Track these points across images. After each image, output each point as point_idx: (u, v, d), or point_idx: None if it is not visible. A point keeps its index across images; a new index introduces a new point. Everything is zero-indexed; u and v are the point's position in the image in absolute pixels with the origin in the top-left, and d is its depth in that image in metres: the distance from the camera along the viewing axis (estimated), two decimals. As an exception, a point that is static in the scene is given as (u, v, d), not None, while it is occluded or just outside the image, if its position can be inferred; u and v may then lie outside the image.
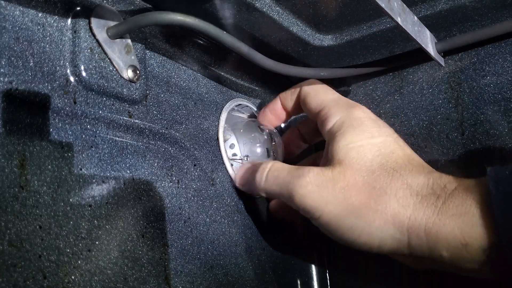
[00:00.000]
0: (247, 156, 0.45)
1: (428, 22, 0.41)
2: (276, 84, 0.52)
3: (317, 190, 0.32)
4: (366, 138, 0.34)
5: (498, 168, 0.29)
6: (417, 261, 0.34)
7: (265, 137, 0.45)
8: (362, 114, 0.36)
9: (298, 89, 0.42)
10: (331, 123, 0.36)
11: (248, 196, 0.45)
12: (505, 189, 0.27)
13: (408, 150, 0.35)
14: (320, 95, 0.39)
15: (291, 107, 0.43)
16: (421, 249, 0.31)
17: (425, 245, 0.30)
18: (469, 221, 0.28)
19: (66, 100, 0.30)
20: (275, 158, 0.45)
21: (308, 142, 0.47)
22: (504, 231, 0.27)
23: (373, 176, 0.32)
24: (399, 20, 0.33)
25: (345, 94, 0.53)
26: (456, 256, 0.29)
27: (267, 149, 0.44)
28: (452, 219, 0.29)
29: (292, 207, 0.35)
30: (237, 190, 0.44)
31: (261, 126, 0.46)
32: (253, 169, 0.38)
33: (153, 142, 0.36)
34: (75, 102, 0.30)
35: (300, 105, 0.42)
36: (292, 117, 0.47)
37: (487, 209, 0.28)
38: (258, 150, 0.44)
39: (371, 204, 0.31)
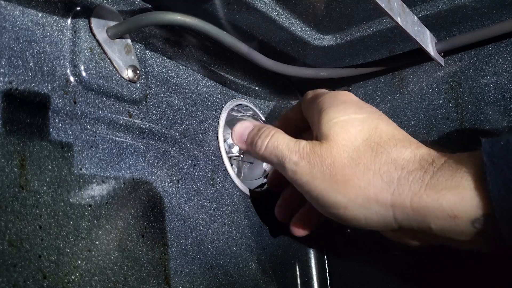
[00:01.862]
0: (244, 152, 0.45)
1: (428, 22, 0.41)
2: (276, 84, 0.52)
3: (307, 166, 0.33)
4: (349, 113, 0.34)
5: (492, 140, 0.28)
6: (409, 236, 0.34)
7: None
8: (345, 95, 0.37)
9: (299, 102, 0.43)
10: (316, 103, 0.37)
11: (248, 196, 0.45)
12: (500, 161, 0.27)
13: (392, 125, 0.35)
14: (315, 92, 0.40)
15: (297, 119, 0.43)
16: (408, 223, 0.31)
17: (412, 219, 0.30)
18: (459, 194, 0.28)
19: (66, 100, 0.30)
20: None
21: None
22: (498, 203, 0.26)
23: (358, 153, 0.32)
24: (399, 20, 0.33)
25: (345, 94, 0.53)
26: (445, 228, 0.29)
27: None
28: (441, 193, 0.29)
29: (285, 177, 0.36)
30: (237, 190, 0.44)
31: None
32: (254, 133, 0.39)
33: (153, 142, 0.36)
34: (75, 102, 0.30)
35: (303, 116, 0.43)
36: None
37: (480, 181, 0.28)
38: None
39: (354, 181, 0.32)
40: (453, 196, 0.28)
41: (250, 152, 0.40)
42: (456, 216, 0.28)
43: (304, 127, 0.42)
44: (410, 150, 0.32)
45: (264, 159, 0.38)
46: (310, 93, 0.41)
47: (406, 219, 0.31)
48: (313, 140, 0.35)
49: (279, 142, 0.36)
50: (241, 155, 0.45)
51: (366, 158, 0.32)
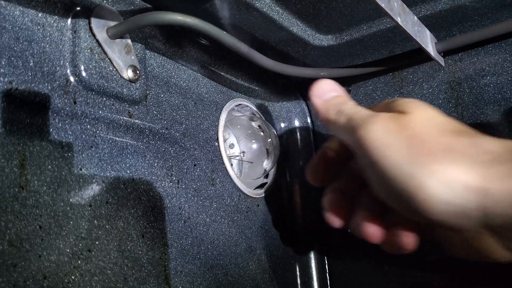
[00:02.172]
0: (243, 152, 0.45)
1: (428, 22, 0.41)
2: (276, 84, 0.52)
3: (382, 130, 0.29)
4: (430, 108, 0.30)
5: None
6: (495, 242, 0.27)
7: (262, 134, 0.45)
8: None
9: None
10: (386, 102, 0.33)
11: (248, 196, 0.45)
12: None
13: None
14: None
15: (338, 149, 0.37)
16: (500, 212, 0.25)
17: (504, 207, 0.24)
18: None
19: (66, 100, 0.30)
20: (272, 157, 0.45)
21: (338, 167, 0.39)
22: None
23: (443, 131, 0.28)
24: (399, 20, 0.33)
25: (345, 94, 0.53)
26: None
27: (264, 147, 0.44)
28: None
29: (351, 145, 0.31)
30: (237, 190, 0.44)
31: (258, 124, 0.46)
32: (340, 97, 0.34)
33: (153, 142, 0.36)
34: (75, 102, 0.30)
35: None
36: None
37: None
38: (255, 146, 0.44)
39: (438, 154, 0.27)
40: None
41: (322, 104, 0.34)
42: None
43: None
44: (499, 140, 0.27)
45: (334, 115, 0.32)
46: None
47: (496, 207, 0.25)
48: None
49: (361, 110, 0.31)
50: (242, 155, 0.45)
51: (451, 137, 0.27)
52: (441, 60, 0.44)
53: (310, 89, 0.35)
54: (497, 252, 0.27)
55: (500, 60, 0.43)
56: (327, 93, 0.34)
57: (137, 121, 0.34)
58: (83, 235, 0.29)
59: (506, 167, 0.25)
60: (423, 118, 0.29)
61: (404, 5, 0.35)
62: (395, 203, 0.28)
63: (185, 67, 0.41)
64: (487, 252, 0.27)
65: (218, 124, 0.43)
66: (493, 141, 0.27)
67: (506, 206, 0.25)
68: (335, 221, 0.37)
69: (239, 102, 0.47)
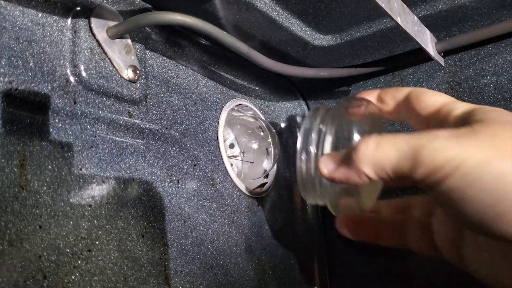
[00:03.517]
0: (243, 152, 0.45)
1: (428, 22, 0.41)
2: (276, 84, 0.52)
3: (454, 140, 0.24)
4: (502, 110, 0.26)
5: None
6: None
7: (262, 134, 0.45)
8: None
9: (405, 89, 0.34)
10: (459, 111, 0.28)
11: (248, 196, 0.45)
12: None
13: None
14: (440, 95, 0.31)
15: (389, 105, 0.34)
16: None
17: None
18: None
19: (66, 100, 0.30)
20: (272, 157, 0.45)
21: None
22: None
23: None
24: (399, 20, 0.33)
25: (345, 94, 0.53)
26: None
27: (264, 147, 0.44)
28: None
29: (415, 175, 0.25)
30: (237, 190, 0.44)
31: (258, 124, 0.46)
32: (350, 149, 0.27)
33: (153, 142, 0.36)
34: (75, 102, 0.30)
35: (399, 107, 0.34)
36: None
37: None
38: (255, 146, 0.44)
39: None
40: None
41: (347, 173, 0.27)
42: None
43: None
44: None
45: (374, 164, 0.26)
46: (427, 91, 0.31)
47: None
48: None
49: (395, 136, 0.26)
50: (241, 155, 0.45)
51: None
52: (441, 60, 0.44)
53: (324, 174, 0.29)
54: None
55: (500, 60, 0.43)
56: (334, 158, 0.28)
57: (137, 121, 0.34)
58: (83, 235, 0.29)
59: None
60: (497, 123, 0.25)
61: (404, 5, 0.35)
62: (476, 213, 0.24)
63: (185, 67, 0.41)
64: None
65: (218, 124, 0.43)
66: None
67: None
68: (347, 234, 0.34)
69: (239, 102, 0.47)
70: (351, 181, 0.27)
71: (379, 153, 0.25)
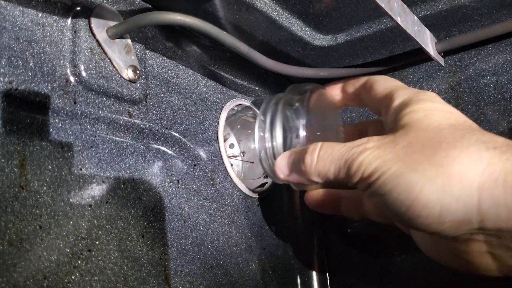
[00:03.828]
0: (243, 152, 0.45)
1: (428, 22, 0.41)
2: (276, 84, 0.52)
3: (376, 152, 0.28)
4: (435, 106, 0.30)
5: None
6: (488, 251, 0.27)
7: (261, 134, 0.45)
8: (432, 94, 0.32)
9: (364, 78, 0.38)
10: (398, 101, 0.32)
11: (248, 196, 0.45)
12: None
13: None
14: (390, 81, 0.35)
15: (350, 93, 0.39)
16: (497, 212, 0.24)
17: (503, 206, 0.24)
18: None
19: (66, 100, 0.30)
20: (272, 157, 0.44)
21: None
22: None
23: (442, 133, 0.27)
24: (399, 20, 0.33)
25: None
26: None
27: (264, 146, 0.43)
28: None
29: (350, 182, 0.30)
30: (237, 190, 0.44)
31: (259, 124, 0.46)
32: (300, 154, 0.33)
33: (153, 142, 0.36)
34: (75, 102, 0.30)
35: (358, 95, 0.38)
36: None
37: None
38: (254, 146, 0.44)
39: (435, 158, 0.26)
40: None
41: (301, 179, 0.34)
42: None
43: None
44: (503, 138, 0.27)
45: (320, 172, 0.32)
46: (382, 83, 0.35)
47: (494, 206, 0.24)
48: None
49: (333, 148, 0.31)
50: (241, 155, 0.44)
51: (452, 137, 0.27)
52: (441, 60, 0.44)
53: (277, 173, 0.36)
54: (483, 261, 0.27)
55: (500, 60, 0.43)
56: (286, 162, 0.35)
57: (137, 121, 0.34)
58: (83, 235, 0.29)
59: (502, 162, 0.25)
60: (421, 129, 0.28)
61: (404, 5, 0.35)
62: (396, 214, 0.28)
63: (185, 67, 0.41)
64: (474, 261, 0.28)
65: (218, 124, 0.43)
66: (500, 139, 0.26)
67: (500, 202, 0.24)
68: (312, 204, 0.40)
69: (239, 102, 0.47)
70: (303, 184, 0.35)
71: (320, 166, 0.32)
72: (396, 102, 0.32)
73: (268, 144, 0.39)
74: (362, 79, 0.38)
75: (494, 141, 0.26)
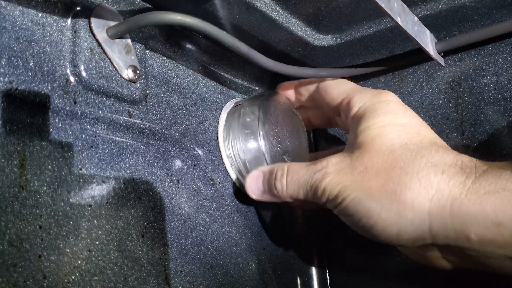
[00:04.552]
0: (240, 151, 0.45)
1: (428, 22, 0.41)
2: (276, 84, 0.52)
3: (336, 178, 0.31)
4: (389, 119, 0.32)
5: None
6: (439, 255, 0.31)
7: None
8: (389, 97, 0.34)
9: (316, 81, 0.40)
10: (355, 109, 0.35)
11: (248, 196, 0.45)
12: None
13: (434, 134, 0.32)
14: (343, 85, 0.38)
15: (304, 96, 0.42)
16: (445, 234, 0.28)
17: (450, 229, 0.27)
18: (504, 198, 0.26)
19: (66, 100, 0.30)
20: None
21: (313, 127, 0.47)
22: None
23: (394, 156, 0.30)
24: (399, 20, 0.33)
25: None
26: (486, 239, 0.26)
27: (260, 145, 0.43)
28: (484, 197, 0.26)
29: (319, 203, 0.33)
30: (237, 190, 0.44)
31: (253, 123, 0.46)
32: (269, 179, 0.36)
33: (153, 142, 0.36)
34: (75, 102, 0.30)
35: (312, 98, 0.41)
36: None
37: None
38: (250, 146, 0.43)
39: (389, 185, 0.29)
40: (498, 200, 0.26)
41: (275, 200, 0.37)
42: (500, 223, 0.26)
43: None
44: (452, 156, 0.29)
45: (292, 197, 0.35)
46: (335, 86, 0.38)
47: (443, 229, 0.28)
48: (338, 154, 0.33)
49: (298, 173, 0.34)
50: (238, 154, 0.44)
51: (404, 161, 0.29)
52: (441, 60, 0.44)
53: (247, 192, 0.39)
54: (439, 262, 0.32)
55: (500, 60, 0.43)
56: (257, 187, 0.38)
57: (137, 121, 0.34)
58: (83, 235, 0.29)
59: (449, 189, 0.28)
60: (375, 151, 0.31)
61: (404, 5, 0.35)
62: (361, 231, 0.31)
63: (185, 67, 0.41)
64: (432, 262, 0.32)
65: (218, 124, 0.43)
66: (449, 158, 0.29)
67: (448, 225, 0.27)
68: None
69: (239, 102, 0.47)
70: (276, 201, 0.38)
71: (291, 191, 0.35)
72: (354, 110, 0.35)
73: (235, 164, 0.42)
74: (315, 82, 0.40)
75: (443, 163, 0.29)
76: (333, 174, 0.31)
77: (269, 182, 0.36)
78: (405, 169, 0.29)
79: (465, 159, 0.29)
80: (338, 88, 0.38)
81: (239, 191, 0.44)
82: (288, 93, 0.43)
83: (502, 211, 0.26)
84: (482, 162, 0.29)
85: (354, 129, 0.33)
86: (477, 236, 0.27)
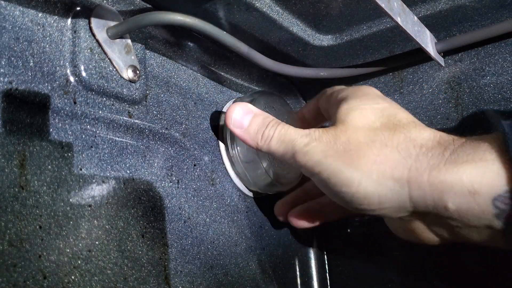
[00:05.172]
0: (237, 150, 0.45)
1: (428, 22, 0.41)
2: (276, 84, 0.52)
3: (319, 145, 0.32)
4: (369, 103, 0.33)
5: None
6: (421, 227, 0.32)
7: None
8: (368, 89, 0.36)
9: (316, 98, 0.42)
10: (337, 96, 0.36)
11: (248, 196, 0.45)
12: None
13: (411, 116, 0.33)
14: (334, 88, 0.39)
15: (311, 115, 0.43)
16: (424, 201, 0.29)
17: (429, 197, 0.28)
18: (481, 168, 0.27)
19: (66, 100, 0.30)
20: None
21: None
22: None
23: (375, 132, 0.31)
24: (399, 20, 0.33)
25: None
26: (463, 208, 0.27)
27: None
28: (461, 167, 0.27)
29: (294, 165, 0.34)
30: (237, 190, 0.44)
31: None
32: (259, 123, 0.36)
33: (153, 142, 0.36)
34: (75, 102, 0.30)
35: (318, 112, 0.42)
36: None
37: (504, 154, 0.26)
38: (247, 146, 0.44)
39: (370, 156, 0.30)
40: (474, 170, 0.27)
41: (251, 141, 0.36)
42: (476, 192, 0.26)
43: (317, 124, 0.41)
44: (429, 132, 0.31)
45: (269, 149, 0.35)
46: (329, 89, 0.40)
47: (422, 197, 0.29)
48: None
49: (288, 130, 0.34)
50: (236, 151, 0.44)
51: (384, 136, 0.31)
52: (441, 60, 0.44)
53: (226, 117, 0.37)
54: (425, 235, 0.32)
55: (500, 60, 0.43)
56: (243, 119, 0.37)
57: (137, 121, 0.34)
58: (83, 235, 0.29)
59: (427, 159, 0.29)
60: (358, 127, 0.32)
61: (404, 5, 0.35)
62: (341, 202, 0.32)
63: (185, 67, 0.41)
64: (419, 235, 0.32)
65: (218, 124, 0.43)
66: (427, 133, 0.31)
67: (427, 194, 0.28)
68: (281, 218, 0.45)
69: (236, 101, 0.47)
70: (250, 146, 0.37)
71: (273, 142, 0.35)
72: (336, 96, 0.36)
73: (235, 164, 0.43)
74: (315, 99, 0.42)
75: (421, 137, 0.30)
76: (317, 141, 0.32)
77: (258, 126, 0.36)
78: (385, 142, 0.30)
79: (443, 134, 0.31)
80: (329, 91, 0.39)
81: (239, 191, 0.44)
82: (309, 115, 0.44)
83: (478, 181, 0.26)
84: (460, 137, 0.30)
85: (335, 109, 0.35)
86: (454, 205, 0.27)
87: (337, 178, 0.31)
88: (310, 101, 0.44)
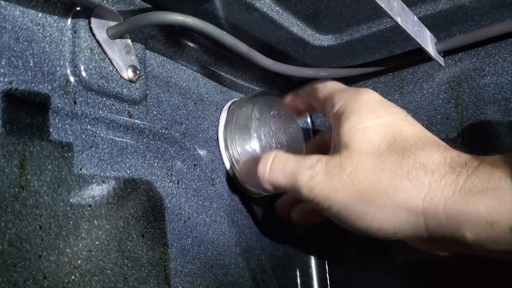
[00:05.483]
0: (238, 150, 0.45)
1: (428, 22, 0.41)
2: (276, 84, 0.52)
3: (325, 179, 0.31)
4: (371, 119, 0.32)
5: None
6: (440, 246, 0.32)
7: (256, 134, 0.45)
8: (368, 96, 0.34)
9: (310, 86, 0.41)
10: (335, 108, 0.34)
11: (248, 196, 0.45)
12: None
13: (419, 128, 0.32)
14: (328, 87, 0.38)
15: (302, 103, 0.42)
16: (441, 231, 0.28)
17: (446, 227, 0.28)
18: (497, 197, 0.26)
19: (66, 100, 0.30)
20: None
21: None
22: None
23: (382, 158, 0.30)
24: (399, 20, 0.33)
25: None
26: (481, 237, 0.27)
27: (255, 146, 0.43)
28: (477, 196, 0.26)
29: (300, 198, 0.33)
30: (237, 190, 0.44)
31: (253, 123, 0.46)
32: (254, 162, 0.35)
33: (153, 142, 0.36)
34: (75, 102, 0.30)
35: (310, 102, 0.41)
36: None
37: None
38: (246, 146, 0.43)
39: (380, 187, 0.29)
40: (491, 200, 0.26)
41: (256, 186, 0.36)
42: (494, 222, 0.26)
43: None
44: (439, 154, 0.29)
45: (272, 184, 0.34)
46: (322, 88, 0.38)
47: (438, 227, 0.28)
48: (328, 154, 0.33)
49: (286, 161, 0.33)
50: (236, 152, 0.44)
51: (392, 163, 0.30)
52: (441, 60, 0.44)
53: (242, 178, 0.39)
54: (439, 252, 0.32)
55: (500, 60, 0.43)
56: (246, 172, 0.37)
57: (137, 121, 0.34)
58: (83, 235, 0.29)
59: (441, 188, 0.28)
60: (363, 153, 0.31)
61: (404, 5, 0.35)
62: (356, 232, 0.31)
63: (185, 67, 0.41)
64: (433, 251, 0.32)
65: (218, 124, 0.43)
66: (436, 156, 0.29)
67: (443, 224, 0.28)
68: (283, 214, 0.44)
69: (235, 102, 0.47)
70: (260, 189, 0.37)
71: (272, 177, 0.33)
72: (334, 109, 0.35)
73: (235, 164, 0.42)
74: (308, 87, 0.41)
75: (431, 162, 0.29)
76: (322, 174, 0.31)
77: (254, 166, 0.35)
78: (395, 171, 0.29)
79: (453, 154, 0.29)
80: (323, 91, 0.38)
81: (239, 191, 0.44)
82: (292, 104, 0.43)
83: (495, 210, 0.26)
84: (472, 157, 0.29)
85: (337, 128, 0.33)
86: (472, 235, 0.27)
87: (349, 213, 0.30)
88: (299, 93, 0.42)
